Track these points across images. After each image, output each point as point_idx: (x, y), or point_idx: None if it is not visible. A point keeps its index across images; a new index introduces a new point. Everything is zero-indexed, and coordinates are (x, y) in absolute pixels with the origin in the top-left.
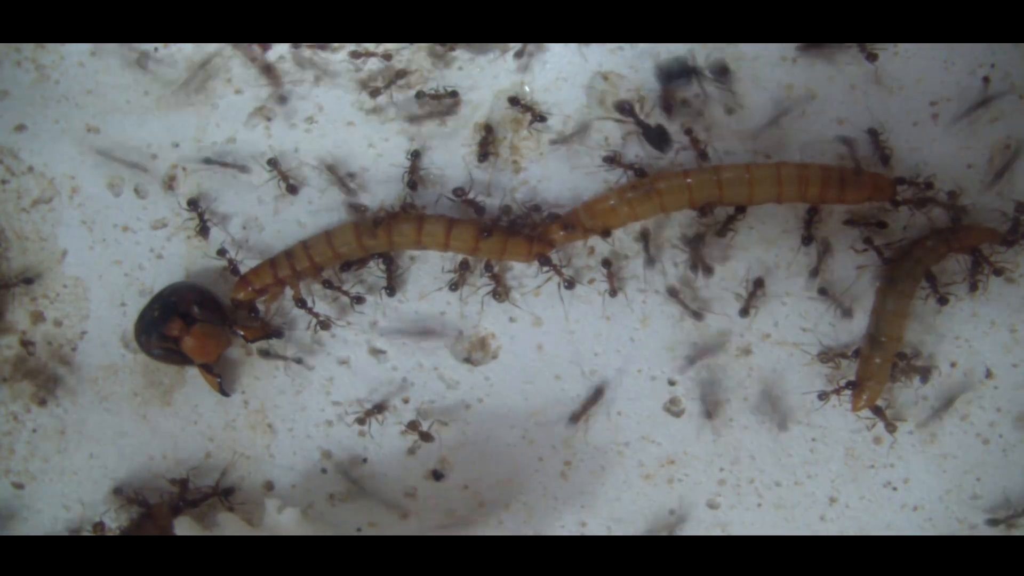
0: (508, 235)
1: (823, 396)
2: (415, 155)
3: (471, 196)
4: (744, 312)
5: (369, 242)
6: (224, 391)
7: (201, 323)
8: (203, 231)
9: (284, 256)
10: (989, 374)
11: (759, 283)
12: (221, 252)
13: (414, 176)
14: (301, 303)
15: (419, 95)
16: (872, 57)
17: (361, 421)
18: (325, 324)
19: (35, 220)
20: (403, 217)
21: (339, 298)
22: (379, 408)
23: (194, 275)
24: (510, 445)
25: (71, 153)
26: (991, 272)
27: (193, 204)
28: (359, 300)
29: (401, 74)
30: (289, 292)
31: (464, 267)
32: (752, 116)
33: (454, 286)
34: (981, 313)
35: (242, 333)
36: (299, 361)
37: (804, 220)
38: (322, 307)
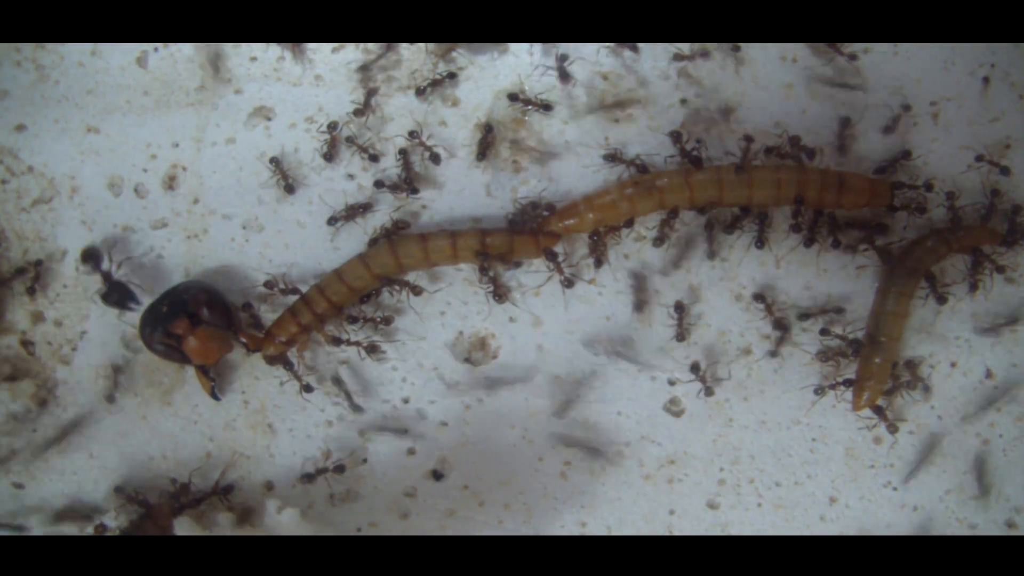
0: (512, 234)
1: (819, 391)
2: (404, 152)
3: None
4: (680, 338)
5: (379, 271)
6: (216, 395)
7: (207, 326)
8: (289, 188)
9: (302, 302)
10: (989, 374)
11: (680, 307)
12: (246, 307)
13: (409, 173)
14: (337, 341)
15: (419, 91)
16: (852, 57)
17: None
18: (373, 348)
19: (35, 220)
20: (407, 238)
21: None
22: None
23: (193, 275)
24: (510, 445)
25: (71, 153)
26: (993, 270)
27: (276, 161)
28: (387, 321)
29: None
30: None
31: (484, 271)
32: (752, 116)
33: (497, 297)
34: (981, 313)
35: (244, 341)
36: (308, 389)
37: (808, 222)
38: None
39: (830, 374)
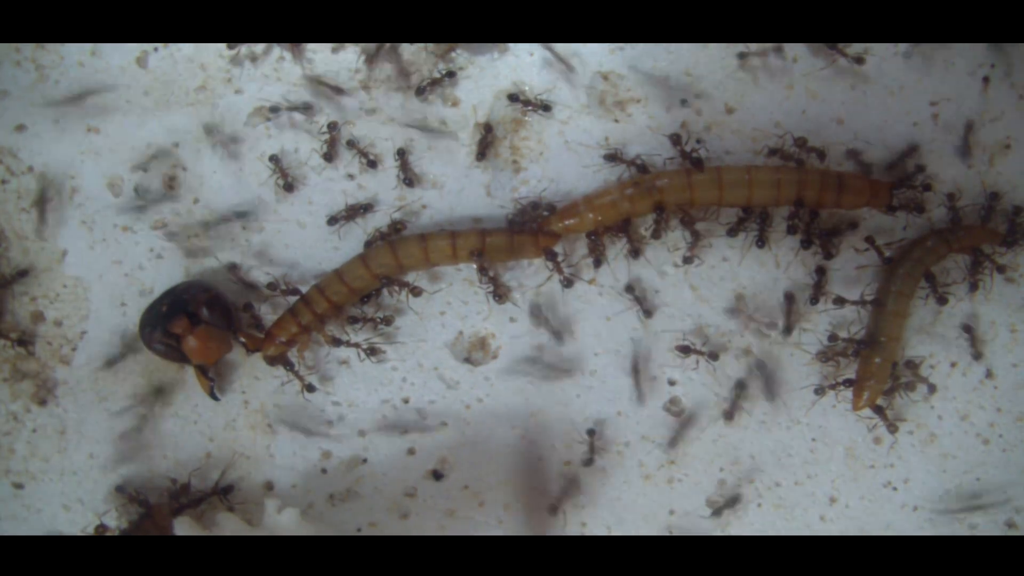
0: (512, 234)
1: (820, 391)
2: (401, 153)
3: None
4: (787, 330)
5: (379, 271)
6: (215, 395)
7: (206, 325)
8: (288, 187)
9: (302, 303)
10: (989, 374)
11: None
12: (247, 307)
13: (408, 174)
14: (337, 342)
15: (419, 91)
16: (859, 61)
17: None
18: (373, 350)
19: (35, 220)
20: (407, 238)
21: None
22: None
23: (193, 275)
24: (510, 445)
25: (71, 153)
26: (994, 270)
27: (275, 159)
28: (387, 322)
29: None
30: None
31: (483, 271)
32: (752, 116)
33: (497, 297)
34: (981, 313)
35: (244, 341)
36: (310, 389)
37: (803, 224)
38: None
39: (830, 374)
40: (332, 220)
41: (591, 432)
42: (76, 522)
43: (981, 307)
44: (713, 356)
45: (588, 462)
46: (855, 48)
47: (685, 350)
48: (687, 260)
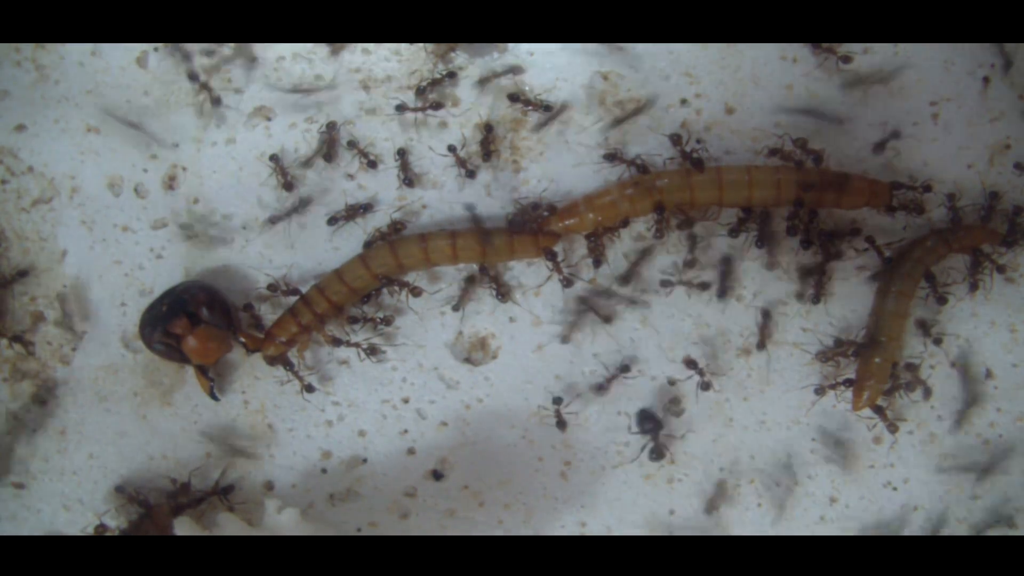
0: (512, 234)
1: (820, 391)
2: (402, 153)
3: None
4: (761, 346)
5: (379, 271)
6: (215, 396)
7: (206, 325)
8: (287, 186)
9: (302, 303)
10: (989, 374)
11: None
12: (247, 308)
13: (408, 174)
14: (337, 342)
15: (419, 91)
16: (846, 60)
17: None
18: (373, 350)
19: (35, 220)
20: (407, 238)
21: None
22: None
23: (193, 275)
24: (510, 445)
25: (71, 153)
26: (993, 269)
27: (275, 159)
28: (387, 322)
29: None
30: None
31: (471, 282)
32: (752, 116)
33: (456, 306)
34: (981, 313)
35: (244, 341)
36: (310, 389)
37: (803, 223)
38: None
39: (830, 374)
40: (332, 220)
41: (558, 400)
42: (76, 522)
43: (981, 307)
44: (625, 369)
45: (561, 425)
46: (844, 48)
47: (626, 369)
48: (688, 263)
